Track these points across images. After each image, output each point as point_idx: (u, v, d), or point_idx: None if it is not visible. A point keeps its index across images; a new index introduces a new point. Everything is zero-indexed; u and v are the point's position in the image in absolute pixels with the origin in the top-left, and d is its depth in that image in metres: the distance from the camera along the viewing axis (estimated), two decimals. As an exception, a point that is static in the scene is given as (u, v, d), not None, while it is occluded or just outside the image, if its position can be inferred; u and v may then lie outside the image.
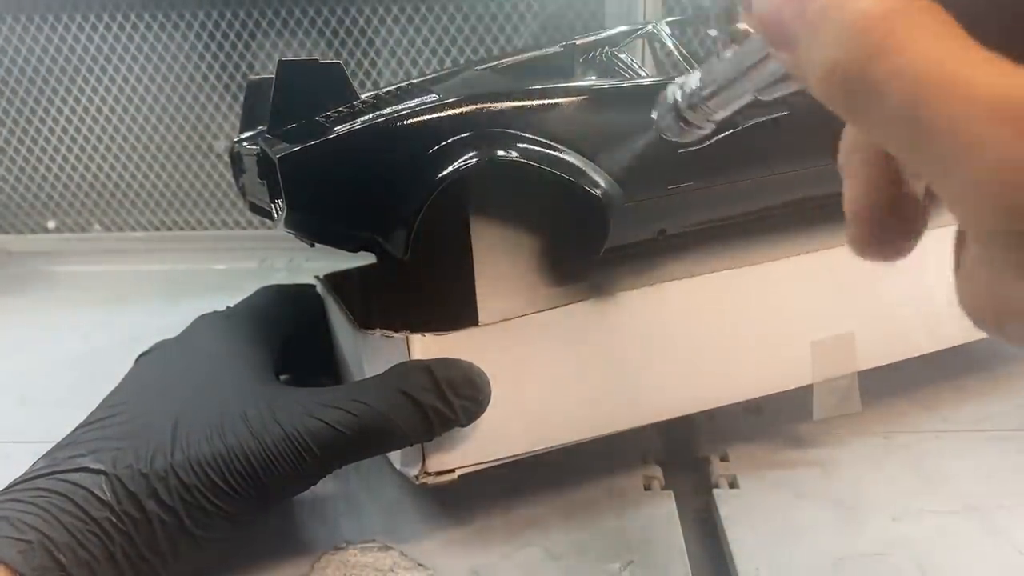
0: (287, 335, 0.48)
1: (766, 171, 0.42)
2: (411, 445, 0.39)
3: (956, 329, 0.48)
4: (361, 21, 0.77)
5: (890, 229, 0.21)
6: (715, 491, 0.45)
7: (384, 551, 0.43)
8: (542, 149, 0.38)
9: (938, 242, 0.22)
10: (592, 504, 0.45)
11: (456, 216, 0.40)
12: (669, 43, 0.45)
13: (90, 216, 0.87)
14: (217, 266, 0.83)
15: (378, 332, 0.41)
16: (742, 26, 0.24)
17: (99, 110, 0.82)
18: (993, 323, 0.18)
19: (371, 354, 0.42)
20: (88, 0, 0.77)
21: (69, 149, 0.84)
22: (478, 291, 0.41)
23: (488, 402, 0.40)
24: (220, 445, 0.37)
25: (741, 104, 0.26)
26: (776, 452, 0.48)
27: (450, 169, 0.36)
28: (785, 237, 0.45)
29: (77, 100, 0.82)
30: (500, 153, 0.37)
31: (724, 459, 0.48)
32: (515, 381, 0.41)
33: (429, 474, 0.41)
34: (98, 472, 0.36)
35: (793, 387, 0.45)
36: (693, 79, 0.27)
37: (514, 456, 0.42)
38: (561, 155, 0.38)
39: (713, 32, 0.25)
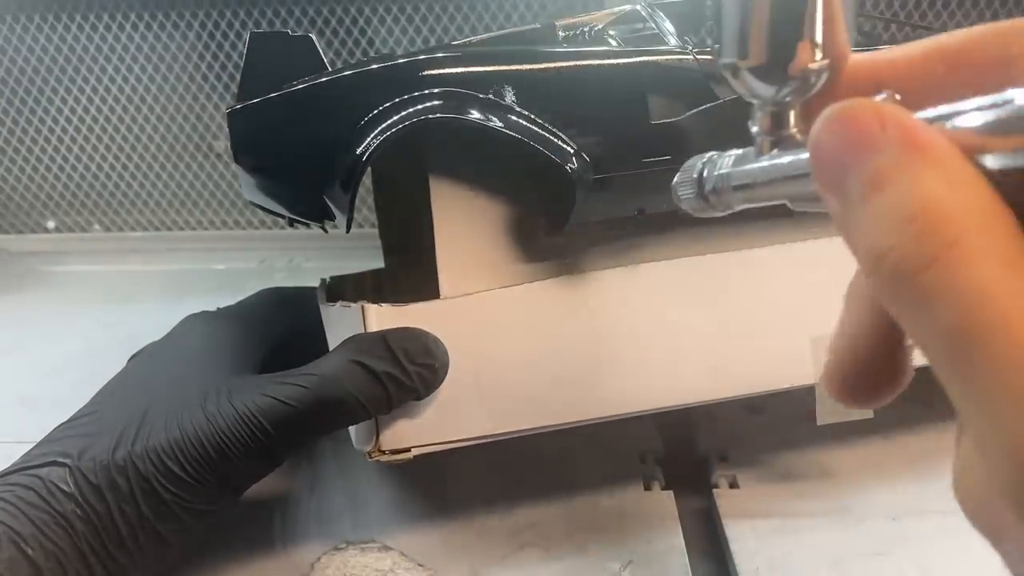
0: (279, 336, 0.47)
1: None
2: (370, 417, 0.38)
3: None
4: (361, 21, 0.77)
5: (872, 381, 0.19)
6: (715, 491, 0.45)
7: (384, 551, 0.42)
8: (503, 112, 0.36)
9: None
10: (592, 504, 0.45)
11: (416, 182, 0.39)
12: (652, 22, 0.44)
13: (90, 216, 0.87)
14: (217, 266, 0.83)
15: (338, 304, 0.41)
16: (791, 132, 0.22)
17: (99, 110, 0.82)
18: (989, 535, 0.18)
19: (333, 327, 0.41)
20: (88, 0, 0.77)
21: (69, 149, 0.84)
22: (439, 262, 0.40)
23: (445, 371, 0.39)
24: (177, 432, 0.37)
25: (768, 204, 0.24)
26: (776, 452, 0.48)
27: (385, 126, 0.35)
28: (781, 222, 0.43)
29: (77, 100, 0.82)
30: (449, 115, 0.35)
31: (724, 459, 0.48)
32: (476, 359, 0.40)
33: (383, 451, 0.39)
34: (63, 465, 0.36)
35: (790, 386, 0.43)
36: (724, 161, 0.24)
37: (474, 439, 0.40)
38: (523, 120, 0.37)
39: (755, 130, 0.22)
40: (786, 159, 0.21)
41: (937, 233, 0.15)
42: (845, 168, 0.17)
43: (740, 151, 0.24)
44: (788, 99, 0.22)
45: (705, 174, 0.25)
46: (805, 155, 0.20)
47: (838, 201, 0.17)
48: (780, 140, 0.22)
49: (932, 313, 0.15)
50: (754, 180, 0.23)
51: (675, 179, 0.27)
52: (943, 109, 0.17)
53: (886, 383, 0.19)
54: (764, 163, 0.22)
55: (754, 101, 0.22)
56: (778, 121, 0.22)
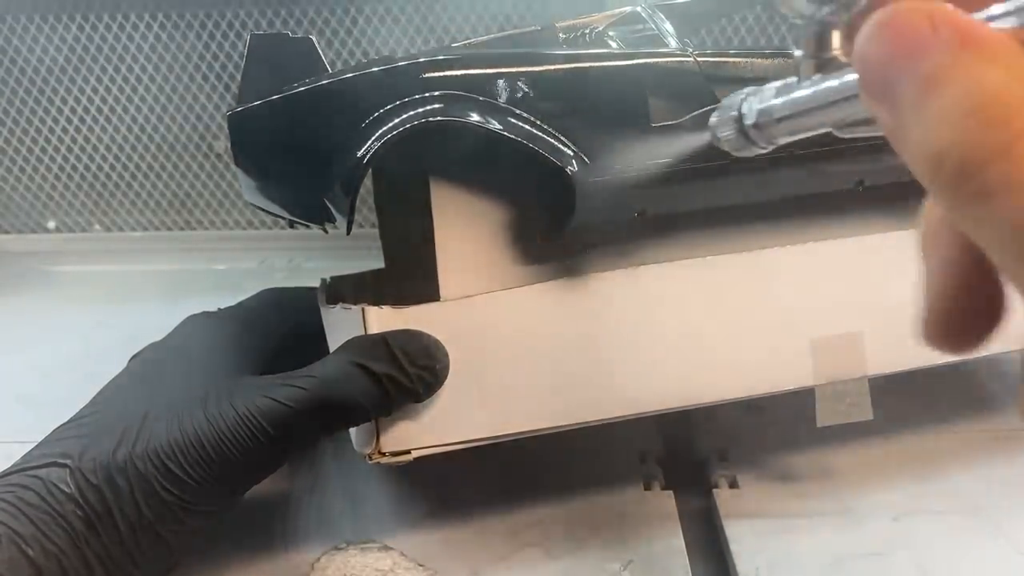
0: (279, 337, 0.47)
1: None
2: (370, 419, 0.38)
3: None
4: (361, 22, 0.77)
5: (968, 322, 0.19)
6: (715, 491, 0.45)
7: (384, 551, 0.43)
8: (503, 115, 0.37)
9: None
10: (592, 504, 0.45)
11: (416, 184, 0.39)
12: (652, 24, 0.44)
13: (90, 216, 0.87)
14: (217, 266, 0.83)
15: (338, 306, 0.41)
16: (834, 54, 0.22)
17: (99, 110, 0.82)
18: None
19: (333, 329, 0.41)
20: (88, 0, 0.77)
21: (69, 149, 0.84)
22: (439, 264, 0.40)
23: (446, 373, 0.39)
24: (177, 433, 0.37)
25: (812, 134, 0.23)
26: (776, 452, 0.48)
27: (386, 128, 0.35)
28: (782, 224, 0.43)
29: (77, 100, 0.82)
30: (449, 117, 0.36)
31: (724, 459, 0.48)
32: (477, 361, 0.40)
33: (384, 453, 0.39)
34: (64, 466, 0.36)
35: (791, 388, 0.43)
36: (766, 94, 0.24)
37: (475, 441, 0.40)
38: (523, 123, 0.37)
39: (798, 53, 0.22)
40: (831, 82, 0.21)
41: (1001, 125, 0.14)
42: (897, 74, 0.16)
43: (780, 83, 0.23)
44: (831, 17, 0.21)
45: (745, 110, 0.24)
46: (851, 76, 0.20)
47: (889, 112, 0.17)
48: (823, 63, 0.22)
49: (998, 211, 0.14)
50: (798, 108, 0.22)
51: (712, 119, 0.26)
52: (990, 10, 0.16)
53: (984, 319, 0.19)
54: (808, 90, 0.22)
55: (798, 21, 0.22)
56: (821, 43, 0.22)
